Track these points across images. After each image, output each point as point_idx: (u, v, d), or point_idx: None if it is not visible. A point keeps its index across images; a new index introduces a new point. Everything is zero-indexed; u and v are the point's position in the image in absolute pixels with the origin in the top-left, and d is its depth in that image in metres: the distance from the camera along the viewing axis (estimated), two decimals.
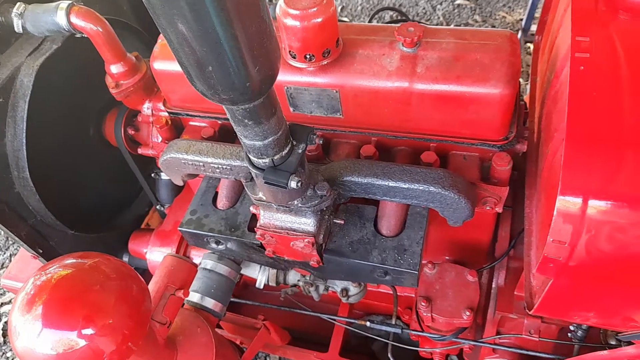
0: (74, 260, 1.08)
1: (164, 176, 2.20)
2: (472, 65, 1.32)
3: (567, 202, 0.96)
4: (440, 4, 4.28)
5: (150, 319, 1.15)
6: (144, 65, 1.79)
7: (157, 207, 2.30)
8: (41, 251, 1.82)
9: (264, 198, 1.28)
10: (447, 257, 1.90)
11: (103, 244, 2.15)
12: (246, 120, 0.93)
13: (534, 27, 3.63)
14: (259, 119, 0.93)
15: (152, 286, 1.43)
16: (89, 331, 1.00)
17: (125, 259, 2.26)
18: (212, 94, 0.80)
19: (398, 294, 1.87)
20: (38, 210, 1.79)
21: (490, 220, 1.71)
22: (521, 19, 3.94)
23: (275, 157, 1.06)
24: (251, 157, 1.08)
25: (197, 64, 0.74)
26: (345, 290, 1.79)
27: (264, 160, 1.06)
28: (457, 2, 4.27)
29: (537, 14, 3.57)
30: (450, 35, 1.39)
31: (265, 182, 1.08)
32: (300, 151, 1.09)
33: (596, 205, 0.95)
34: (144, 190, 2.26)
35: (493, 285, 1.81)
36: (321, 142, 1.24)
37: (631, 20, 1.09)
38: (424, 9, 4.29)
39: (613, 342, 1.56)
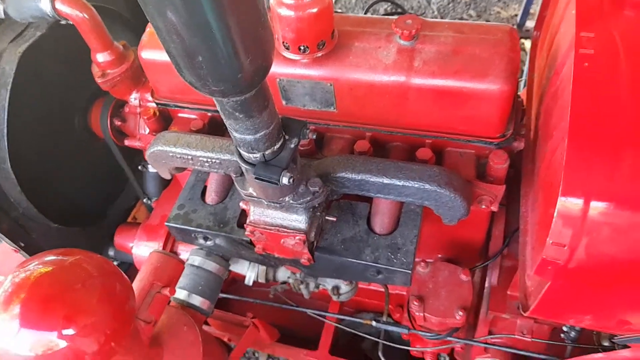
0: (55, 257, 1.03)
1: (151, 169, 2.15)
2: (470, 60, 1.29)
3: (568, 204, 0.94)
4: None
5: (134, 318, 1.11)
6: (132, 54, 1.74)
7: (144, 200, 2.25)
8: (23, 245, 1.77)
9: (254, 194, 1.24)
10: (439, 255, 1.87)
11: (88, 238, 2.10)
12: (237, 113, 0.89)
13: (528, 23, 3.62)
14: (250, 112, 0.89)
15: (137, 284, 1.39)
16: (69, 331, 0.96)
17: (111, 253, 2.22)
18: (201, 85, 0.76)
19: (389, 291, 1.84)
20: (20, 203, 1.74)
21: (485, 219, 1.69)
22: (516, 15, 3.92)
23: (267, 152, 1.02)
24: (241, 152, 1.05)
25: (186, 54, 0.70)
26: (336, 288, 1.76)
27: (254, 155, 1.03)
28: None
29: (532, 10, 3.55)
30: (449, 28, 1.36)
31: (256, 178, 1.05)
32: (292, 146, 1.06)
33: (598, 207, 0.92)
34: (131, 183, 2.21)
35: (486, 285, 1.79)
36: (314, 136, 1.20)
37: (637, 17, 1.06)
38: (418, 2, 4.25)
39: (606, 344, 1.55)
